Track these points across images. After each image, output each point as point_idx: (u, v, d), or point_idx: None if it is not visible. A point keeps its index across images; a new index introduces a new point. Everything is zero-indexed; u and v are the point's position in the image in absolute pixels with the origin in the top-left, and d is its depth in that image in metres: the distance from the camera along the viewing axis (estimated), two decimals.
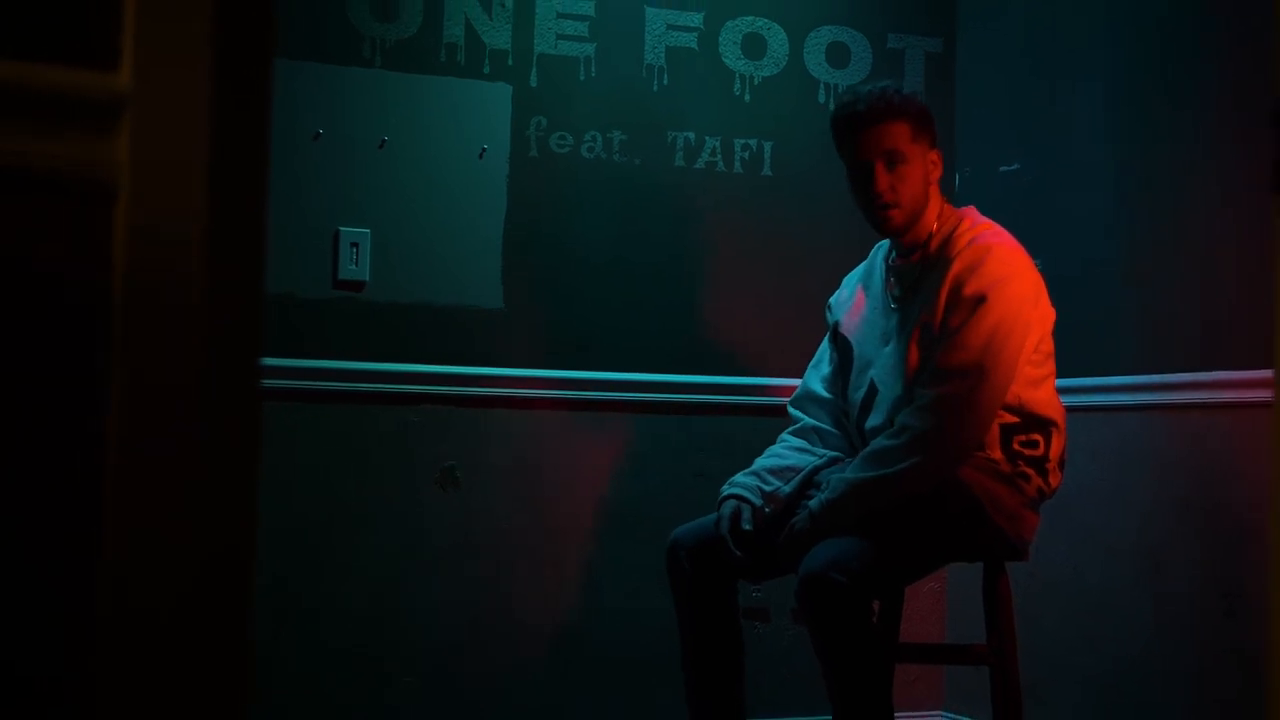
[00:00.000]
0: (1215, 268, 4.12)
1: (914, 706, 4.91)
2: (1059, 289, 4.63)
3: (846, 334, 3.94)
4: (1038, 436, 3.70)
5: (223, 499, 1.53)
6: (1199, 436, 4.14)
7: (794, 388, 4.14)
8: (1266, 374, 3.68)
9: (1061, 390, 4.35)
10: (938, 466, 3.59)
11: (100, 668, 1.49)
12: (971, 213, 3.82)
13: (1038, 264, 4.13)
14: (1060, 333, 4.48)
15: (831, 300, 4.06)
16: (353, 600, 4.32)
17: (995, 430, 3.67)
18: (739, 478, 3.86)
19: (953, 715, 4.94)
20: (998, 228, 3.78)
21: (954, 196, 5.03)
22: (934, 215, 3.78)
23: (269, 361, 2.46)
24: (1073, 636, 4.48)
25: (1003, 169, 4.91)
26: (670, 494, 4.48)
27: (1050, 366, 3.76)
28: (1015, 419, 3.67)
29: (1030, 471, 3.68)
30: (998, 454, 3.67)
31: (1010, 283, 3.63)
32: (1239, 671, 3.86)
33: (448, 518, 4.23)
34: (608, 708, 4.38)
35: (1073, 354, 4.51)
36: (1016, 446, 3.68)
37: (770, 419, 4.31)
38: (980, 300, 3.59)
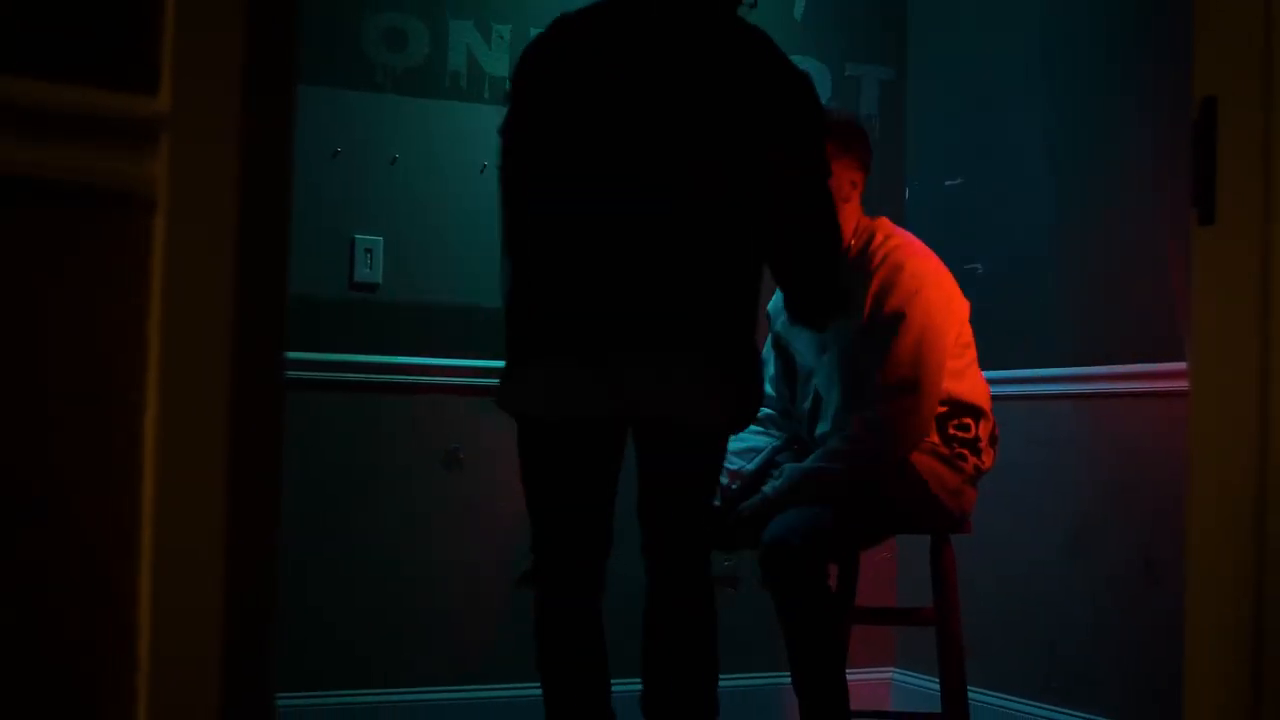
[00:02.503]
0: (1138, 271, 4.13)
1: (868, 664, 4.92)
2: (997, 290, 4.65)
3: (786, 343, 3.92)
4: (968, 420, 3.72)
5: (251, 476, 1.53)
6: (1123, 422, 4.15)
7: None
8: (1182, 366, 3.70)
9: (999, 381, 4.36)
10: (886, 466, 3.63)
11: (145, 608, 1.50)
12: (884, 224, 3.80)
13: (976, 268, 4.15)
14: (998, 330, 4.49)
15: (770, 307, 4.01)
16: (369, 565, 4.32)
17: (943, 420, 3.70)
18: (787, 468, 3.86)
19: (903, 671, 4.94)
20: (909, 237, 3.77)
21: (904, 207, 5.04)
22: (850, 229, 3.75)
23: (292, 355, 2.47)
24: (1012, 601, 4.49)
25: (948, 183, 4.92)
26: None
27: (971, 355, 3.77)
28: (945, 408, 3.69)
29: (965, 452, 3.70)
30: (935, 438, 3.68)
31: (921, 295, 3.64)
32: (1161, 631, 3.87)
33: (452, 494, 4.23)
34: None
35: (1010, 348, 4.53)
36: (951, 431, 3.70)
37: None
38: (900, 317, 3.60)
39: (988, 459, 3.76)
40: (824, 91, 5.00)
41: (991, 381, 4.61)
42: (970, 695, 4.44)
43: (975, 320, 4.68)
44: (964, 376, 3.73)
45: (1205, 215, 2.01)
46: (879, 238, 3.73)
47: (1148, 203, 4.11)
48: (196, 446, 1.51)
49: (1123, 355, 4.15)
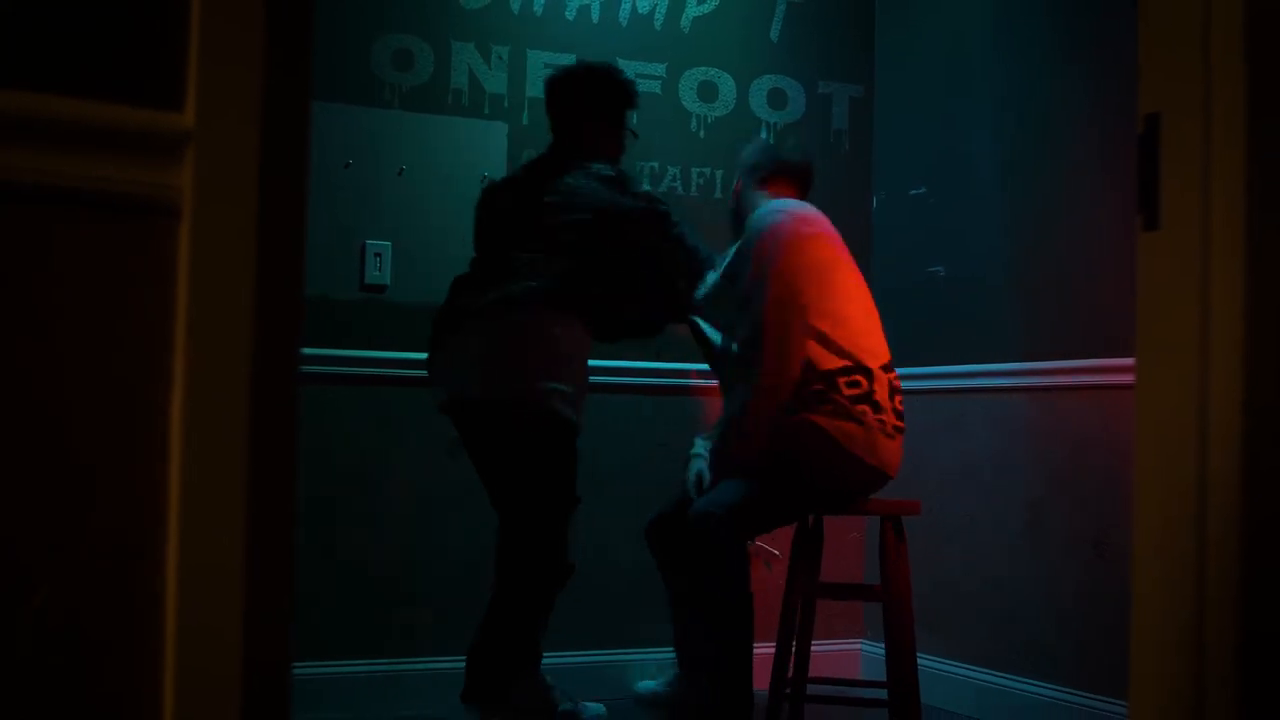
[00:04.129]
0: (1086, 273, 4.14)
1: (839, 636, 4.92)
2: (957, 291, 4.66)
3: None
4: (858, 378, 3.72)
5: (269, 462, 1.53)
6: (1074, 413, 4.16)
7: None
8: (1128, 361, 3.71)
9: (959, 375, 4.38)
10: (759, 423, 3.73)
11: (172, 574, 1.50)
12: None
13: (938, 270, 4.15)
14: (958, 327, 4.50)
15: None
16: (378, 543, 4.33)
17: (832, 378, 3.72)
18: (699, 442, 3.91)
19: (870, 642, 4.95)
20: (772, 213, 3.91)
21: (871, 215, 5.05)
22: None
23: (308, 350, 2.46)
24: (969, 576, 4.50)
25: (912, 192, 4.92)
26: (636, 458, 4.49)
27: (855, 324, 3.80)
28: (843, 363, 3.74)
29: (865, 409, 3.70)
30: (837, 396, 3.70)
31: (772, 267, 3.78)
32: (1106, 603, 3.89)
33: (453, 479, 4.21)
34: (580, 628, 4.38)
35: (969, 345, 4.54)
36: (845, 390, 3.71)
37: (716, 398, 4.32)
38: (753, 288, 3.78)
39: (889, 415, 3.75)
40: (797, 108, 5.02)
41: (951, 375, 4.63)
42: (933, 666, 4.46)
43: (936, 318, 4.70)
44: (842, 338, 3.76)
45: (1150, 221, 2.01)
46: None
47: (1096, 210, 4.12)
48: (220, 429, 1.51)
49: (1073, 351, 4.16)
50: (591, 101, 4.01)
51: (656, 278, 4.03)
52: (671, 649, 4.30)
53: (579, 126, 4.00)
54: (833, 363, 3.70)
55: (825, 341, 3.72)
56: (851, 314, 3.80)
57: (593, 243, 3.83)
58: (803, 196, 4.10)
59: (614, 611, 4.57)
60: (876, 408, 3.71)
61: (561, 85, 4.04)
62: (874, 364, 3.75)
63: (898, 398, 3.80)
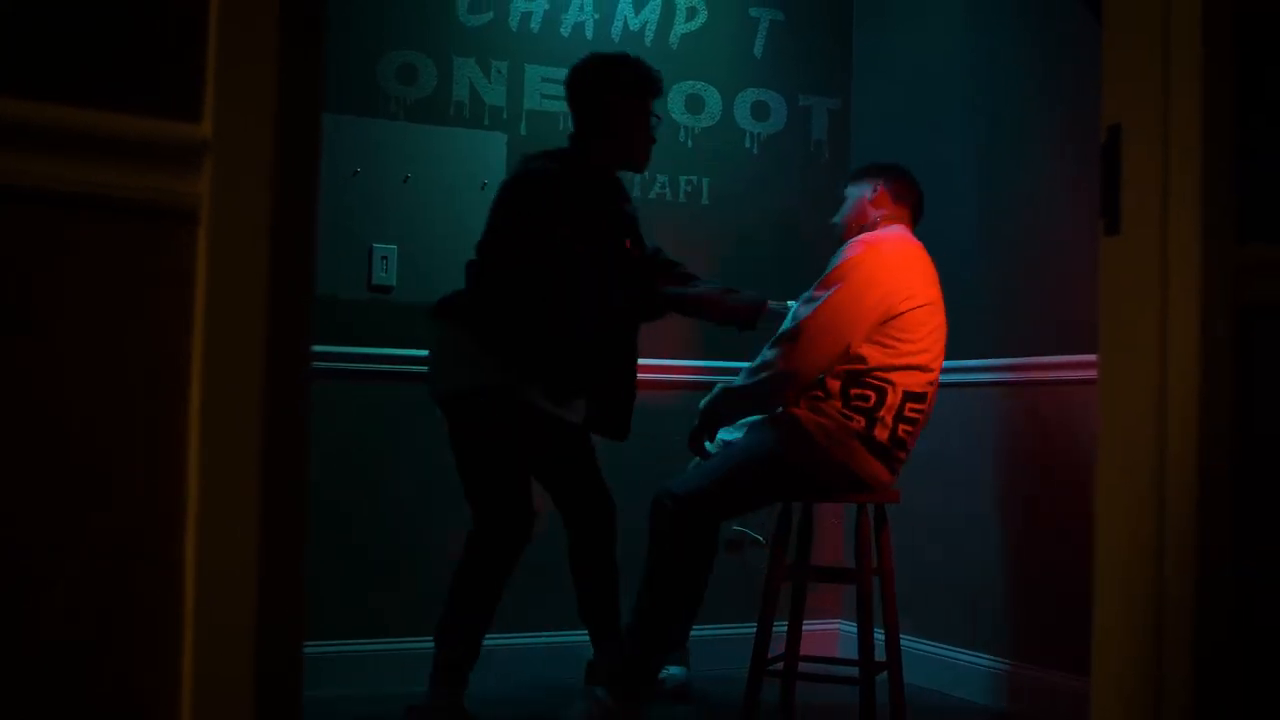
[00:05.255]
0: (1053, 274, 4.15)
1: (820, 616, 4.93)
2: None
3: None
4: (869, 393, 3.70)
5: (281, 452, 1.53)
6: (1041, 405, 4.17)
7: (729, 369, 4.21)
8: (1092, 357, 3.71)
9: None
10: (774, 390, 3.73)
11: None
12: (868, 236, 3.91)
13: None
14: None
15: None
16: (385, 527, 4.33)
17: (838, 381, 3.71)
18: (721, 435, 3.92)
19: (848, 622, 4.95)
20: (869, 241, 3.85)
21: None
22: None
23: (316, 347, 2.46)
24: (942, 559, 4.50)
25: None
26: (626, 446, 4.48)
27: (906, 348, 3.73)
28: (851, 369, 3.71)
29: (859, 417, 3.68)
30: (837, 400, 3.70)
31: (841, 283, 3.73)
32: (1070, 584, 3.89)
33: (454, 468, 4.21)
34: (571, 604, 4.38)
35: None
36: (851, 395, 3.70)
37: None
38: (814, 293, 3.76)
39: (882, 431, 3.70)
40: (778, 120, 5.02)
41: None
42: (907, 644, 4.46)
43: None
44: (888, 357, 3.71)
45: (1111, 226, 2.02)
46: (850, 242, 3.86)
47: (1061, 215, 4.12)
48: (235, 417, 1.51)
49: (1041, 348, 4.17)
50: (617, 82, 3.84)
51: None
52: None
53: (605, 104, 3.84)
54: (854, 365, 3.70)
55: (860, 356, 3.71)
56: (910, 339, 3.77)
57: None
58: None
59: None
60: (870, 420, 3.68)
61: (585, 72, 3.89)
62: (900, 386, 3.71)
63: (902, 426, 3.73)
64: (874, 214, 3.95)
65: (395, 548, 4.33)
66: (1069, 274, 4.05)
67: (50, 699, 1.44)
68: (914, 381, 3.72)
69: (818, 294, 3.71)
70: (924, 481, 4.51)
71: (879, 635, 4.06)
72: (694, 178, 4.87)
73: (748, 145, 4.94)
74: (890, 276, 3.73)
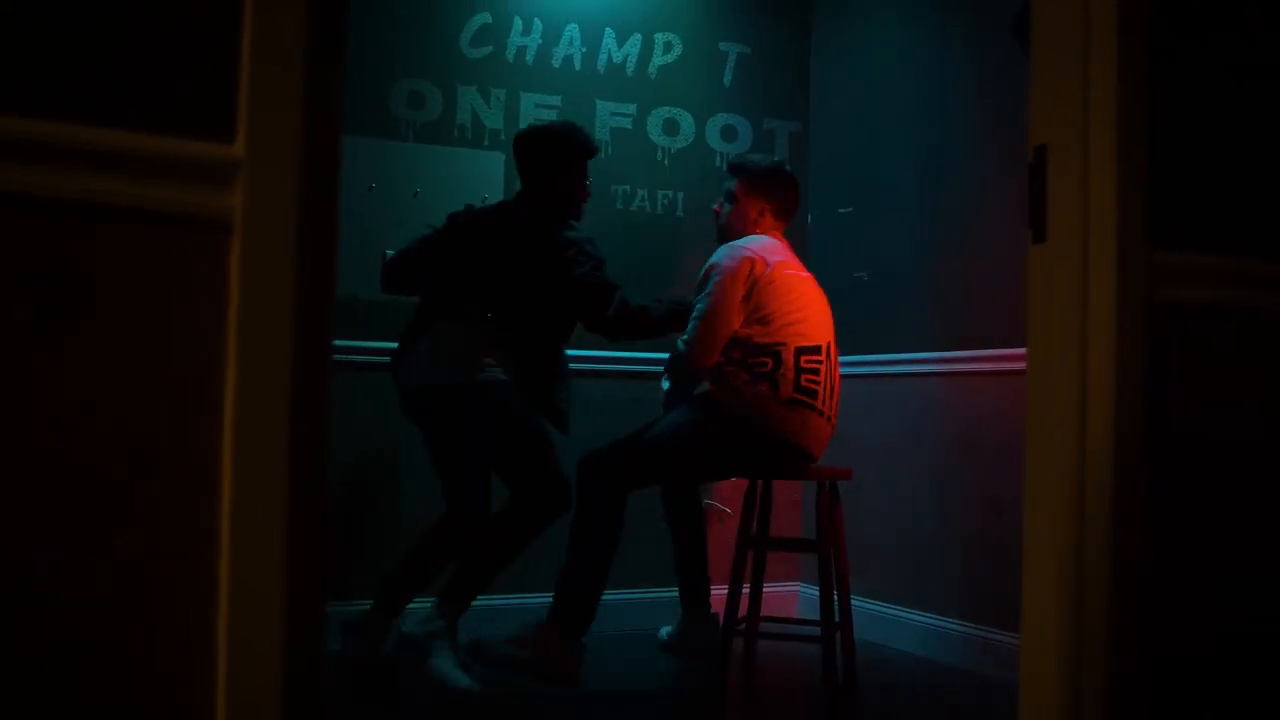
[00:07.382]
0: (987, 277, 4.15)
1: (781, 579, 4.93)
2: (878, 292, 4.66)
3: None
4: (765, 359, 3.72)
5: (306, 438, 1.53)
6: (975, 394, 4.17)
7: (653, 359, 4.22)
8: (1021, 351, 3.73)
9: (881, 362, 4.37)
10: (693, 359, 3.77)
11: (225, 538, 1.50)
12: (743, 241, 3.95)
13: (862, 276, 4.14)
14: (878, 322, 4.50)
15: None
16: (397, 510, 4.32)
17: (738, 357, 3.75)
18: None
19: (807, 585, 4.96)
20: (738, 245, 3.89)
21: (807, 230, 5.05)
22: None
23: (338, 342, 2.47)
24: (887, 530, 4.51)
25: (841, 210, 4.93)
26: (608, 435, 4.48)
27: (776, 322, 3.76)
28: (738, 352, 3.75)
29: (765, 383, 3.70)
30: (744, 374, 3.72)
31: (717, 279, 3.81)
32: (1003, 558, 3.90)
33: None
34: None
35: (889, 337, 4.54)
36: (750, 363, 3.72)
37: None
38: (702, 288, 3.83)
39: (786, 387, 3.70)
40: (745, 141, 5.02)
41: (873, 363, 4.64)
42: (858, 604, 4.47)
43: (860, 316, 4.70)
44: (764, 334, 3.74)
45: (1038, 235, 2.03)
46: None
47: (995, 223, 4.13)
48: (266, 405, 1.51)
49: (975, 342, 4.18)
50: (559, 155, 3.84)
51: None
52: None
53: (551, 178, 3.84)
54: (754, 347, 3.73)
55: (748, 334, 3.74)
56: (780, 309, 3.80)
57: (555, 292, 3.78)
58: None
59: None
60: (773, 382, 3.69)
61: (530, 142, 3.88)
62: (782, 351, 3.73)
63: (804, 376, 3.73)
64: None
65: (402, 527, 4.31)
66: (1001, 277, 4.06)
67: (87, 704, 1.44)
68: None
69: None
70: (872, 461, 4.52)
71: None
72: (670, 193, 4.87)
73: (718, 164, 4.93)
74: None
